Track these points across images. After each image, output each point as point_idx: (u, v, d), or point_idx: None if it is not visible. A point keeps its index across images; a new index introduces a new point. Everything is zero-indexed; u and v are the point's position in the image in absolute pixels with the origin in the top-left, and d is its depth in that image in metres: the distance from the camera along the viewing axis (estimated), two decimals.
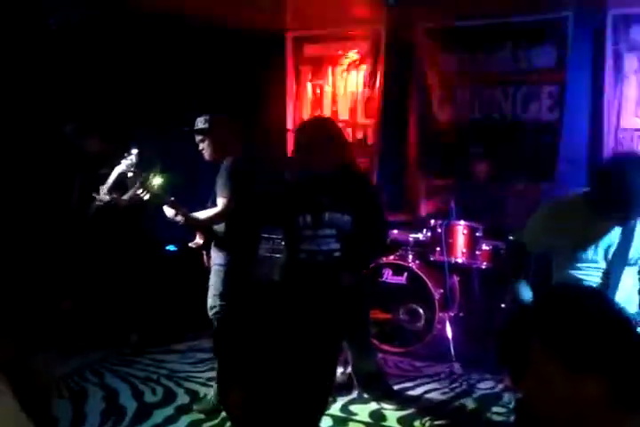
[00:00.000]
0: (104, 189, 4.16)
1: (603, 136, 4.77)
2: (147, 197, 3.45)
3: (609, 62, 4.73)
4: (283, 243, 3.77)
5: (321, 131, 3.30)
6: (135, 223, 4.45)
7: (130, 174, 4.00)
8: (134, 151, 4.01)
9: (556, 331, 1.21)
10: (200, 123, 3.60)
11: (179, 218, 3.46)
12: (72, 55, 4.77)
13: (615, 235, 2.49)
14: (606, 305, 1.31)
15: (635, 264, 2.54)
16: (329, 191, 3.26)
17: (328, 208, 3.25)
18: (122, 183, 4.21)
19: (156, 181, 3.52)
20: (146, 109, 5.13)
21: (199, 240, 3.63)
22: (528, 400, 1.29)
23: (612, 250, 2.50)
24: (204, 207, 3.57)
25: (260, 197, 3.51)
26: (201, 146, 3.61)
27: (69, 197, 4.37)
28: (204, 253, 3.68)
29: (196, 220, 3.50)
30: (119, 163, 4.05)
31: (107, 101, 4.85)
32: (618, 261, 2.49)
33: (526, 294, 2.69)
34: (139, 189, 3.49)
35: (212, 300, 3.56)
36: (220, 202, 3.47)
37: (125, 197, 4.21)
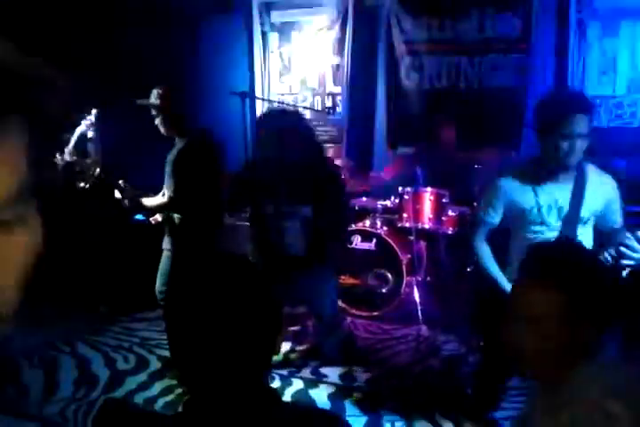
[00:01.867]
0: (66, 149, 4.12)
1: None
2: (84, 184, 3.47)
3: (573, 30, 4.79)
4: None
5: (288, 122, 3.29)
6: (100, 192, 4.42)
7: (90, 134, 3.98)
8: (94, 111, 3.98)
9: (582, 287, 1.35)
10: (153, 97, 3.50)
11: (126, 202, 3.46)
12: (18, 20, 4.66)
13: (566, 195, 2.56)
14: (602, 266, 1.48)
15: (586, 223, 2.62)
16: (292, 183, 3.27)
17: (290, 200, 3.28)
18: (82, 144, 4.16)
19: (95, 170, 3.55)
20: (105, 76, 5.06)
21: (158, 217, 3.63)
22: (523, 341, 1.39)
23: (564, 210, 2.57)
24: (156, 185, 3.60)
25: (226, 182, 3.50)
26: (156, 121, 3.53)
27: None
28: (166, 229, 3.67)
29: (143, 207, 3.51)
30: (79, 124, 4.01)
31: (63, 65, 4.74)
32: (571, 222, 2.58)
33: (486, 253, 2.76)
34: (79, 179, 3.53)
35: (159, 284, 3.58)
36: (167, 193, 3.49)
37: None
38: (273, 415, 1.16)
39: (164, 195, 3.59)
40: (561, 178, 2.55)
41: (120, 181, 3.45)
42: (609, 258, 2.41)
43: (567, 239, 1.72)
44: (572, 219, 2.56)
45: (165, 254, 3.60)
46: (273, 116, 3.44)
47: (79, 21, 5.00)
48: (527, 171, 2.62)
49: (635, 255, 2.33)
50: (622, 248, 2.34)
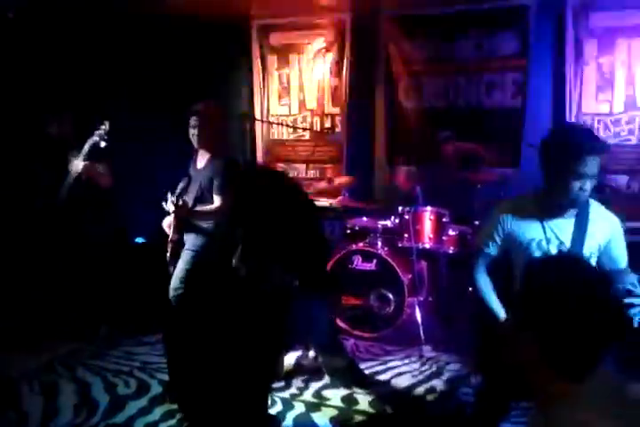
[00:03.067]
0: (80, 157, 4.14)
1: (565, 122, 4.86)
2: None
3: (570, 49, 4.82)
4: None
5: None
6: (102, 214, 4.43)
7: (102, 144, 4.03)
8: (106, 123, 4.04)
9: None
10: (200, 106, 3.65)
11: (172, 207, 3.61)
12: (33, 42, 4.72)
13: (568, 230, 2.52)
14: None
15: (588, 260, 2.58)
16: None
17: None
18: (94, 155, 4.19)
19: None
20: (110, 97, 5.11)
21: (175, 236, 3.69)
22: None
23: (564, 247, 2.52)
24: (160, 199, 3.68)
25: None
26: (193, 131, 3.67)
27: (35, 186, 4.32)
28: (171, 246, 3.72)
29: (200, 213, 3.66)
30: (92, 134, 4.06)
31: (70, 84, 4.80)
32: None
33: (485, 284, 2.73)
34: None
35: (176, 282, 3.64)
36: (218, 200, 3.65)
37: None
38: None
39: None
40: (564, 212, 2.52)
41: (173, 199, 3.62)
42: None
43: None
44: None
45: (189, 253, 3.70)
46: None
47: (89, 40, 5.07)
48: (529, 203, 2.58)
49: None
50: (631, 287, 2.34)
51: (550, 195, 2.49)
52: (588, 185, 2.41)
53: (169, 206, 3.64)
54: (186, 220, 3.69)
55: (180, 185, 3.71)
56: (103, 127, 4.07)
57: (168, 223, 3.75)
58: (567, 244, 2.52)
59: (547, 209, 2.53)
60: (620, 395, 1.36)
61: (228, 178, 3.60)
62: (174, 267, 3.75)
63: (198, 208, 3.69)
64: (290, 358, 4.07)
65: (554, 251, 2.54)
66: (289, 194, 3.34)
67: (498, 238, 2.66)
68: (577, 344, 1.32)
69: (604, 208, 2.59)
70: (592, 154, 2.36)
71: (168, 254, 3.74)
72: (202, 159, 3.79)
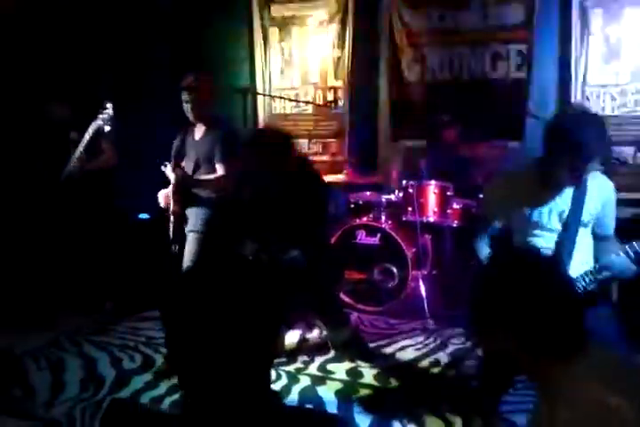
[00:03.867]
0: (80, 147, 4.11)
1: (570, 93, 4.80)
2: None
3: (575, 19, 4.73)
4: None
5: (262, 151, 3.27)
6: (106, 191, 4.41)
7: (106, 128, 4.00)
8: (109, 105, 3.99)
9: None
10: (190, 81, 3.57)
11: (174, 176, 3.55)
12: (33, 26, 4.67)
13: (567, 199, 2.53)
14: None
15: (587, 226, 2.58)
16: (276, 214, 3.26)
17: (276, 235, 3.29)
18: (97, 140, 4.16)
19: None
20: (113, 72, 5.07)
21: (176, 208, 3.63)
22: None
23: (565, 214, 2.54)
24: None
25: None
26: (186, 106, 3.61)
27: (37, 166, 4.31)
28: (172, 221, 3.68)
29: (201, 181, 3.62)
30: (95, 118, 4.02)
31: (70, 65, 4.76)
32: (572, 225, 2.55)
33: (484, 251, 2.73)
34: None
35: (188, 265, 3.58)
36: (221, 167, 3.59)
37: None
38: (273, 419, 1.14)
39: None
40: (563, 182, 2.51)
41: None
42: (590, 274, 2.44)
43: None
44: (573, 222, 2.53)
45: (194, 236, 3.64)
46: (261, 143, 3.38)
47: (88, 20, 5.01)
48: (529, 173, 2.57)
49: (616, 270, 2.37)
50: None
51: (549, 167, 2.47)
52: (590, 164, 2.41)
53: (168, 171, 3.59)
54: (185, 190, 3.62)
55: (173, 153, 3.71)
56: (106, 111, 4.01)
57: (165, 194, 3.67)
58: (567, 211, 2.53)
59: (546, 179, 2.52)
60: (621, 367, 1.36)
61: (230, 145, 3.55)
62: (177, 246, 3.70)
63: (201, 177, 3.65)
64: (294, 334, 4.09)
65: (555, 219, 2.54)
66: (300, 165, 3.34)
67: (498, 209, 2.66)
68: (543, 324, 1.34)
69: (600, 173, 2.59)
70: (595, 139, 2.33)
71: (170, 232, 3.70)
72: (199, 131, 3.73)
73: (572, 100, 4.78)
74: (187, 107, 3.62)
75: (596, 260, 2.54)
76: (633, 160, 4.67)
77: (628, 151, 4.65)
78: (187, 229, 3.69)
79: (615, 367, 1.34)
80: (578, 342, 1.35)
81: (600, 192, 2.56)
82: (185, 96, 3.60)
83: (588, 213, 2.54)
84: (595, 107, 4.70)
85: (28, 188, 4.33)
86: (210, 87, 3.67)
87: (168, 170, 3.61)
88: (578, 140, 2.31)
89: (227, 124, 3.73)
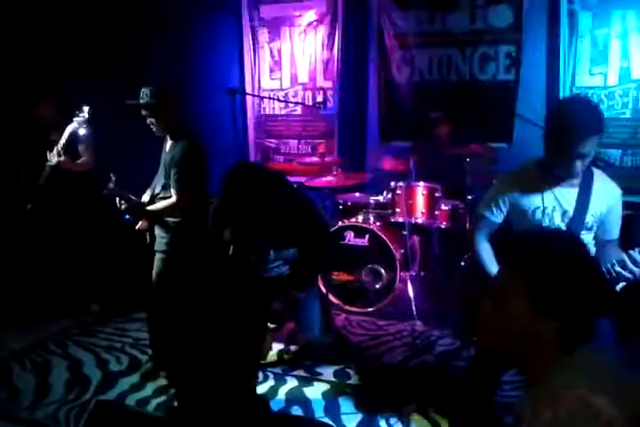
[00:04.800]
0: (56, 149, 4.08)
1: (558, 95, 4.82)
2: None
3: (564, 21, 4.75)
4: None
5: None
6: (89, 192, 4.37)
7: (82, 131, 3.96)
8: (86, 108, 3.94)
9: (540, 274, 1.33)
10: (145, 96, 3.36)
11: (123, 207, 3.41)
12: (15, 22, 4.63)
13: (571, 199, 2.51)
14: (580, 252, 1.42)
15: (590, 229, 2.56)
16: (272, 231, 3.18)
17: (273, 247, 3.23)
18: (74, 143, 4.14)
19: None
20: (97, 73, 5.02)
21: (144, 223, 3.52)
22: (485, 316, 1.40)
23: (568, 215, 2.52)
24: (146, 183, 3.57)
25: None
26: (149, 120, 3.41)
27: (18, 167, 4.28)
28: (148, 234, 3.60)
29: (147, 214, 3.45)
30: (71, 121, 3.97)
31: (54, 66, 4.73)
32: (575, 227, 2.52)
33: (486, 252, 2.71)
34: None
35: (154, 284, 3.50)
36: (175, 195, 3.38)
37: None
38: (259, 425, 1.13)
39: (155, 194, 3.54)
40: (567, 182, 2.50)
41: (130, 195, 3.43)
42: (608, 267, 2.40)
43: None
44: (576, 224, 2.50)
45: (159, 257, 3.51)
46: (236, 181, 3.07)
47: (71, 20, 4.98)
48: (533, 172, 2.55)
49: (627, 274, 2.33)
50: (626, 258, 2.34)
51: (552, 167, 2.47)
52: (588, 160, 2.41)
53: (120, 205, 3.42)
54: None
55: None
56: (82, 114, 3.94)
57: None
58: (570, 212, 2.52)
59: (550, 178, 2.51)
60: (607, 367, 1.35)
61: (188, 167, 3.34)
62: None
63: (152, 207, 3.46)
64: (282, 337, 4.08)
65: (557, 219, 2.54)
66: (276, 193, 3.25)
67: (501, 206, 2.64)
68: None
69: (606, 176, 2.58)
70: (594, 134, 2.33)
71: (147, 238, 3.61)
72: (167, 142, 3.54)
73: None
74: (148, 122, 3.42)
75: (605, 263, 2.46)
76: (620, 163, 4.69)
77: (614, 154, 4.68)
78: (154, 248, 3.54)
79: (600, 367, 1.34)
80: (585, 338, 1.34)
81: (606, 195, 2.53)
82: (143, 112, 3.40)
83: (591, 216, 2.52)
84: None
85: (9, 190, 4.30)
86: (167, 100, 3.39)
87: (119, 204, 3.43)
88: (565, 117, 2.32)
89: (190, 139, 3.42)
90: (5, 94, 4.50)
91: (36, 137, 4.26)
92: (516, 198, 2.59)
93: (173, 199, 3.40)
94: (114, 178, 3.43)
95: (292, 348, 3.86)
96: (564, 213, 2.53)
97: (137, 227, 3.53)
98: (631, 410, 1.22)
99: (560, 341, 1.33)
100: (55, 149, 4.10)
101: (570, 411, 1.22)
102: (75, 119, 3.97)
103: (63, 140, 4.06)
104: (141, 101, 3.37)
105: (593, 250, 2.60)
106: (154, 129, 3.45)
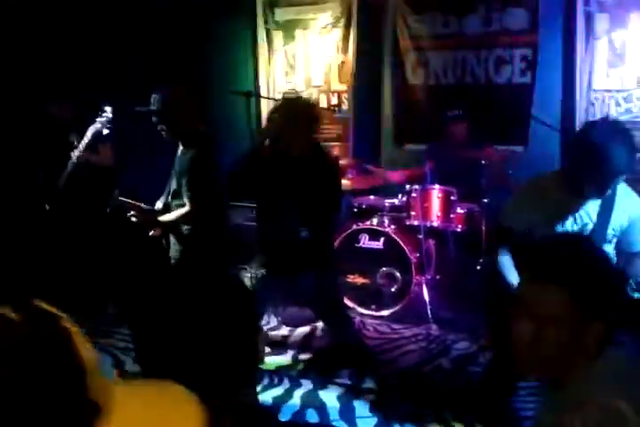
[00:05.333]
0: (79, 149, 4.11)
1: (575, 98, 4.79)
2: None
3: (580, 24, 4.72)
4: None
5: (300, 113, 3.19)
6: (107, 191, 4.40)
7: (105, 131, 3.98)
8: (108, 109, 3.96)
9: (582, 283, 1.30)
10: (155, 102, 3.31)
11: (134, 219, 3.40)
12: (34, 24, 4.67)
13: (592, 213, 2.48)
14: (607, 259, 1.43)
15: (611, 242, 2.53)
16: (297, 176, 3.18)
17: (294, 192, 3.19)
18: (96, 143, 4.15)
19: None
20: (113, 74, 5.06)
21: (158, 231, 3.51)
22: (525, 340, 1.34)
23: (589, 228, 2.49)
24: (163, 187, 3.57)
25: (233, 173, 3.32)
26: (159, 127, 3.37)
27: (37, 169, 4.31)
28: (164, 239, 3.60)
29: (159, 224, 3.43)
30: (94, 122, 3.99)
31: (72, 67, 4.76)
32: (597, 240, 2.48)
33: (508, 267, 2.67)
34: None
35: None
36: (188, 203, 3.32)
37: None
38: None
39: (169, 202, 3.54)
40: (587, 190, 2.43)
41: (141, 205, 3.44)
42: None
43: (571, 235, 1.62)
44: (597, 238, 2.44)
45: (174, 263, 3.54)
46: (291, 105, 3.31)
47: (91, 22, 5.02)
48: (554, 183, 2.50)
49: None
50: None
51: (574, 182, 2.40)
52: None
53: (132, 216, 3.40)
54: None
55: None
56: (105, 114, 3.98)
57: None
58: (591, 224, 2.48)
59: (572, 191, 2.45)
60: (630, 377, 1.34)
61: (201, 172, 3.30)
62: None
63: (165, 218, 3.42)
64: (298, 339, 4.09)
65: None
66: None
67: (522, 219, 2.61)
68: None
69: (631, 189, 2.53)
70: (622, 171, 2.27)
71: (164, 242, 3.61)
72: (180, 147, 3.49)
73: (577, 106, 4.75)
74: (159, 128, 3.38)
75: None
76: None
77: None
78: (169, 254, 3.54)
79: (627, 372, 1.32)
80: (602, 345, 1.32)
81: (628, 208, 2.48)
82: (153, 119, 3.35)
83: (612, 230, 2.48)
84: (599, 112, 4.70)
85: (29, 190, 4.33)
86: (177, 107, 3.31)
87: (131, 214, 3.43)
88: (607, 156, 2.22)
89: (203, 143, 3.36)
90: (24, 96, 4.54)
91: (56, 138, 4.29)
92: (536, 212, 2.56)
93: (187, 208, 3.34)
94: (117, 191, 3.43)
95: (302, 356, 3.88)
96: (585, 225, 2.49)
97: (150, 234, 3.52)
98: None
99: (601, 343, 1.31)
100: (78, 148, 4.12)
101: (596, 418, 1.20)
102: (97, 119, 4.00)
103: (86, 140, 4.07)
104: (151, 108, 3.33)
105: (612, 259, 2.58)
106: (164, 135, 3.40)
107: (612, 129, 2.35)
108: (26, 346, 0.62)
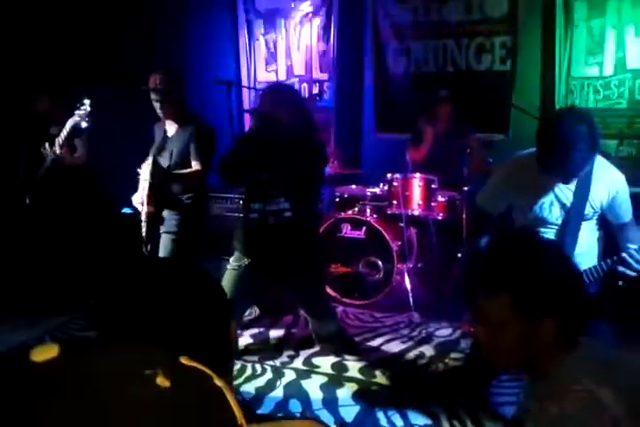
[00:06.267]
0: (57, 141, 4.08)
1: (554, 86, 4.82)
2: None
3: (559, 11, 4.74)
4: (240, 201, 3.80)
5: (285, 98, 3.28)
6: (88, 185, 4.37)
7: (83, 124, 3.96)
8: (87, 102, 3.94)
9: (521, 286, 1.31)
10: (156, 81, 3.53)
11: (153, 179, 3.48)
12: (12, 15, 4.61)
13: (569, 192, 2.49)
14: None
15: (591, 218, 2.56)
16: (283, 156, 3.22)
17: (280, 172, 3.24)
18: (74, 136, 4.12)
19: None
20: (93, 65, 5.02)
21: (150, 209, 3.57)
22: (484, 343, 1.39)
23: (567, 207, 2.50)
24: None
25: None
26: (157, 105, 3.57)
27: (17, 162, 4.27)
28: (145, 221, 3.64)
29: (179, 175, 3.58)
30: (72, 115, 3.96)
31: (51, 59, 4.71)
32: (574, 218, 2.50)
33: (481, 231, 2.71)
34: None
35: None
36: (197, 164, 3.57)
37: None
38: None
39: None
40: (557, 173, 2.43)
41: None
42: (608, 263, 2.38)
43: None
44: (575, 215, 2.48)
45: (169, 238, 3.62)
46: (277, 92, 3.42)
47: (67, 12, 4.96)
48: (530, 164, 2.47)
49: (636, 266, 2.29)
50: (626, 256, 2.31)
51: (545, 162, 2.41)
52: (585, 165, 2.36)
53: (144, 171, 3.52)
54: (160, 191, 3.57)
55: (152, 151, 3.65)
56: (83, 107, 3.95)
57: (140, 199, 3.63)
58: (569, 204, 2.50)
59: (543, 173, 2.46)
60: (609, 364, 1.35)
61: (206, 142, 3.57)
62: (150, 246, 3.67)
63: (177, 172, 3.60)
64: (280, 328, 4.10)
65: (556, 212, 2.52)
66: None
67: (499, 199, 2.64)
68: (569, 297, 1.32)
69: (606, 162, 2.54)
70: (583, 143, 2.26)
71: (144, 232, 3.64)
72: (171, 128, 3.69)
73: (556, 93, 4.78)
74: (156, 106, 3.58)
75: (620, 249, 2.46)
76: (616, 153, 4.69)
77: (610, 145, 4.68)
78: (161, 230, 3.65)
79: (605, 360, 1.33)
80: (583, 324, 1.34)
81: (606, 183, 2.49)
82: (152, 96, 3.56)
83: (591, 206, 2.50)
84: (578, 99, 4.72)
85: (9, 184, 4.29)
86: (176, 84, 3.62)
87: (144, 167, 3.54)
88: (568, 142, 2.24)
89: (199, 121, 3.67)
90: (4, 89, 4.48)
91: (36, 131, 4.25)
92: (513, 192, 2.59)
93: (197, 167, 3.57)
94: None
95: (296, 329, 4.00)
96: (563, 205, 2.52)
97: (145, 212, 3.58)
98: (635, 402, 1.22)
99: (561, 337, 1.33)
100: (56, 141, 4.09)
101: (576, 405, 1.22)
102: (76, 112, 3.96)
103: (64, 133, 4.05)
104: (152, 86, 3.53)
105: (590, 237, 2.60)
106: (161, 113, 3.60)
107: (575, 116, 2.36)
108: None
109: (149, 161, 3.53)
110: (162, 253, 3.61)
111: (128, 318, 1.05)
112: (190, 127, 3.60)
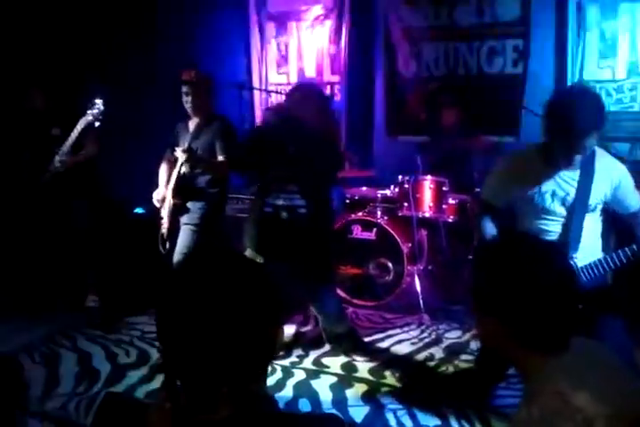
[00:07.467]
0: (67, 143, 4.00)
1: (567, 88, 4.79)
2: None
3: (571, 14, 4.73)
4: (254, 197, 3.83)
5: (313, 100, 3.35)
6: (96, 186, 4.37)
7: (97, 124, 3.96)
8: (99, 101, 3.94)
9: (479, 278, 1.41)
10: (192, 75, 3.66)
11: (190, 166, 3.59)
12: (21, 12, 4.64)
13: (572, 183, 2.51)
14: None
15: (594, 210, 2.57)
16: (304, 154, 3.26)
17: (298, 169, 3.28)
18: (83, 135, 4.06)
19: None
20: (104, 65, 5.05)
21: (177, 200, 3.67)
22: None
23: (570, 198, 2.52)
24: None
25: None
26: (186, 99, 3.68)
27: (20, 165, 4.24)
28: (164, 219, 3.72)
29: (213, 162, 3.68)
30: (85, 114, 3.94)
31: (50, 54, 4.71)
32: (578, 210, 2.52)
33: (490, 231, 2.72)
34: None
35: (180, 257, 3.58)
36: (224, 158, 3.67)
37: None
38: (265, 424, 1.11)
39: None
40: (568, 165, 2.48)
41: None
42: (627, 252, 2.39)
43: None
44: (579, 207, 2.50)
45: (190, 229, 3.69)
46: (307, 92, 3.48)
47: (81, 13, 4.99)
48: (533, 156, 2.55)
49: None
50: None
51: (552, 153, 2.46)
52: (588, 151, 2.40)
53: (179, 153, 3.56)
54: (190, 182, 3.68)
55: (179, 145, 3.71)
56: (97, 106, 3.95)
57: (161, 195, 3.71)
58: (572, 195, 2.51)
59: (551, 163, 2.50)
60: (601, 365, 1.34)
61: (231, 138, 3.67)
62: (169, 244, 3.72)
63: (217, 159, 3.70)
64: (290, 328, 4.10)
65: (558, 203, 2.53)
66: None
67: (503, 192, 2.65)
68: (539, 316, 1.29)
69: (608, 155, 2.57)
70: (595, 130, 2.32)
71: (164, 229, 3.70)
72: (194, 125, 3.78)
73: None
74: (186, 99, 3.69)
75: (636, 238, 2.49)
76: (629, 156, 4.66)
77: (623, 148, 4.66)
78: (182, 222, 3.73)
79: (591, 365, 1.32)
80: (563, 335, 1.31)
81: (609, 175, 2.51)
82: (185, 89, 3.67)
83: (594, 198, 2.51)
84: None
85: (12, 186, 4.27)
86: (209, 82, 3.76)
87: (178, 152, 3.59)
88: (568, 114, 2.29)
89: (225, 119, 3.79)
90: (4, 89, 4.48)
91: (36, 132, 4.18)
92: (516, 184, 2.60)
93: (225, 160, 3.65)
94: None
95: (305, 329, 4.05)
96: (566, 195, 2.53)
97: (172, 202, 3.67)
98: (622, 409, 1.21)
99: (518, 341, 1.32)
100: (64, 146, 4.02)
101: (544, 408, 1.20)
102: (89, 112, 3.95)
103: (76, 133, 3.98)
104: (186, 79, 3.66)
105: (595, 230, 2.61)
106: (190, 107, 3.70)
107: (575, 95, 2.43)
108: None
109: (180, 151, 3.56)
110: (180, 244, 3.67)
111: (194, 320, 1.05)
112: (216, 125, 3.71)
